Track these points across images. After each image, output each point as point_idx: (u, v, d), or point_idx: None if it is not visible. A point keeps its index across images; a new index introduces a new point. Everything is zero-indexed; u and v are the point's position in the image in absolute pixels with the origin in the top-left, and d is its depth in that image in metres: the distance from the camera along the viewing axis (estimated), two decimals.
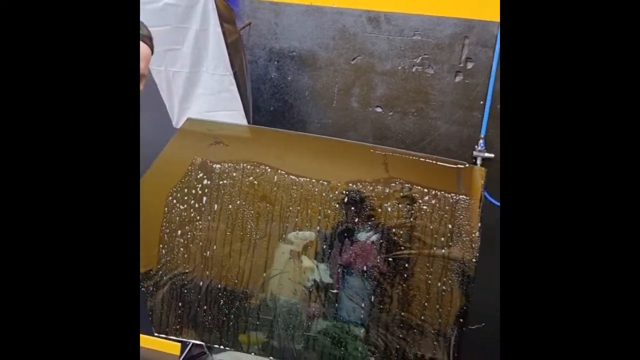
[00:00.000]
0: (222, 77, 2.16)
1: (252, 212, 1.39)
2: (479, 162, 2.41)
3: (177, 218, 1.46)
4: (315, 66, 2.57)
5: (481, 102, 2.42)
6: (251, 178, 1.38)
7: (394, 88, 2.51)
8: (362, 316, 1.52)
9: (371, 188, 1.37)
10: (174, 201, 1.46)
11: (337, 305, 1.52)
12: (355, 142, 1.50)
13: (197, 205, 1.45)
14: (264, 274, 1.42)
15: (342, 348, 1.56)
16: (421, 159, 1.39)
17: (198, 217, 1.44)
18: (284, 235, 1.45)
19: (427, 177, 1.36)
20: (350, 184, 1.37)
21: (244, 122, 2.21)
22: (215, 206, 1.41)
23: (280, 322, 1.54)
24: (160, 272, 1.48)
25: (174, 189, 1.46)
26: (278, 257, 1.49)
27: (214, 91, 2.18)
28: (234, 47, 2.22)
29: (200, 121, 1.71)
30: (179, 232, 1.45)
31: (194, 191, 1.45)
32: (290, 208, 1.38)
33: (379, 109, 2.55)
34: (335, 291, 1.53)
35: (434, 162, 1.40)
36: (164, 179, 1.46)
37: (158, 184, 1.46)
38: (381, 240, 1.43)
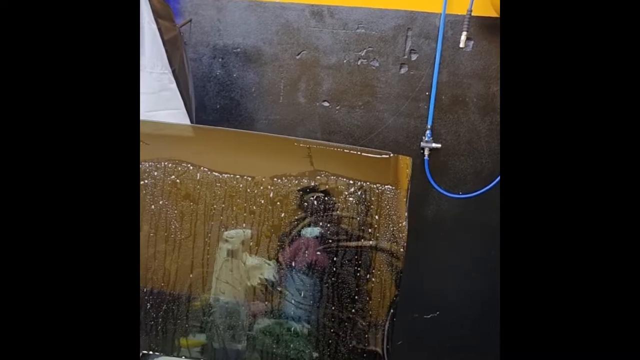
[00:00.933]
0: (161, 75, 2.12)
1: (176, 211, 1.35)
2: (426, 152, 2.42)
3: None
4: (260, 62, 2.54)
5: (427, 93, 2.42)
6: (173, 177, 1.34)
7: (340, 82, 2.50)
8: (303, 313, 1.50)
9: (296, 182, 1.34)
10: None
11: (279, 302, 1.50)
12: (278, 135, 1.47)
13: None
14: (191, 275, 1.39)
15: (284, 346, 1.54)
16: (345, 151, 1.38)
17: None
18: (220, 235, 1.42)
19: (352, 169, 1.34)
20: (276, 179, 1.34)
21: (187, 120, 2.17)
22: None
23: (220, 323, 1.50)
24: None
25: None
26: (217, 257, 1.46)
27: (154, 90, 2.13)
28: (173, 44, 2.18)
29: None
30: None
31: None
32: (215, 206, 1.34)
33: (326, 104, 2.53)
34: (279, 289, 1.50)
35: (359, 153, 1.38)
36: None
37: None
38: (318, 235, 1.41)
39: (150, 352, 1.46)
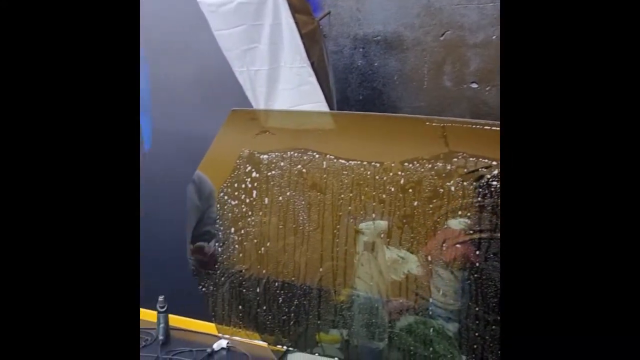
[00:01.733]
0: (300, 69, 2.11)
1: (303, 202, 1.30)
2: None
3: (230, 214, 1.42)
4: (402, 48, 2.42)
5: None
6: (299, 166, 1.29)
7: (488, 60, 2.28)
8: (446, 312, 1.36)
9: (429, 166, 1.21)
10: (226, 197, 1.42)
11: (422, 299, 1.38)
12: (407, 115, 1.35)
13: (247, 200, 1.39)
14: (321, 269, 1.32)
15: (428, 347, 1.41)
16: (486, 127, 1.21)
17: (250, 212, 1.39)
18: (351, 226, 1.34)
19: (495, 149, 1.17)
20: (406, 163, 1.22)
21: None
22: (266, 199, 1.35)
23: (358, 319, 1.43)
24: (219, 272, 1.45)
25: (225, 185, 1.41)
26: (355, 250, 1.38)
27: (294, 85, 2.13)
28: (310, 38, 2.16)
29: (244, 111, 1.65)
30: (233, 229, 1.41)
31: (243, 185, 1.40)
32: (342, 195, 1.26)
33: (474, 85, 2.33)
34: (423, 284, 1.39)
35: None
36: (215, 174, 1.42)
37: (210, 180, 1.42)
38: (464, 227, 1.27)
39: (290, 348, 1.43)
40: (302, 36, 2.10)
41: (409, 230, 1.26)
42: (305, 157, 1.30)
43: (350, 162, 1.25)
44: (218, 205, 1.44)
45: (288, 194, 1.31)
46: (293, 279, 1.34)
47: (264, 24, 2.08)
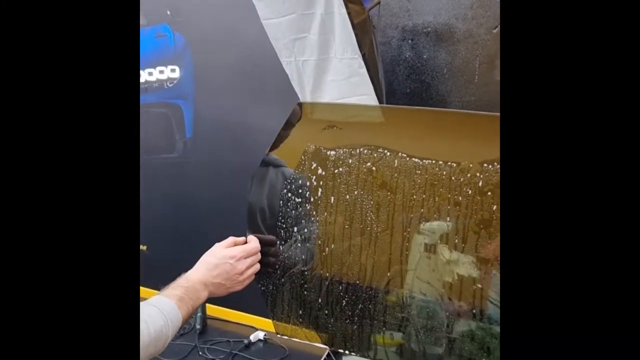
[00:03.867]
0: (350, 60, 2.06)
1: (372, 202, 1.24)
2: None
3: (293, 212, 1.36)
4: (452, 40, 2.34)
5: None
6: (369, 164, 1.23)
7: None
8: None
9: None
10: (289, 194, 1.37)
11: (481, 303, 1.32)
12: (487, 113, 1.27)
13: (312, 199, 1.33)
14: (388, 273, 1.27)
15: (487, 354, 1.36)
16: None
17: (314, 211, 1.33)
18: (417, 228, 1.28)
19: None
20: (485, 164, 1.15)
21: None
22: (332, 198, 1.29)
23: (417, 322, 1.37)
24: (279, 271, 1.40)
25: (288, 181, 1.36)
26: (414, 252, 1.33)
27: (344, 76, 2.07)
28: (362, 28, 2.10)
29: (311, 104, 1.59)
30: (296, 228, 1.35)
31: (308, 183, 1.34)
32: (414, 196, 1.20)
33: None
34: (479, 286, 1.33)
35: None
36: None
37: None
38: None
39: (346, 352, 1.38)
40: (354, 26, 2.05)
41: (486, 235, 1.19)
42: (375, 155, 1.24)
43: (424, 160, 1.19)
44: (281, 202, 1.38)
45: (356, 192, 1.25)
46: (358, 280, 1.28)
47: (316, 12, 2.03)
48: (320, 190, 1.32)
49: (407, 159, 1.21)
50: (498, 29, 2.23)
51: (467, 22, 2.30)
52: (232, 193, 2.27)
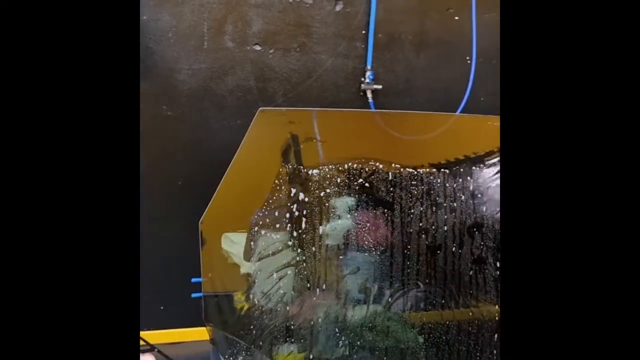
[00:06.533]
0: None
1: (368, 224, 1.09)
2: (369, 94, 2.36)
3: (270, 251, 1.04)
4: (176, 2, 2.07)
5: (363, 32, 2.33)
6: (360, 180, 1.07)
7: (271, 22, 2.21)
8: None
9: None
10: (262, 230, 1.03)
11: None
12: (477, 115, 1.25)
13: (295, 234, 1.05)
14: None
15: (390, 337, 1.43)
16: None
17: (299, 247, 1.05)
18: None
19: None
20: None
21: None
22: (321, 228, 1.05)
23: (318, 331, 1.32)
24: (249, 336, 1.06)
25: (260, 214, 1.02)
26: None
27: None
28: None
29: (278, 111, 1.20)
30: (275, 275, 1.04)
31: (288, 214, 1.04)
32: (412, 210, 1.12)
33: (257, 47, 2.23)
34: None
35: None
36: (245, 198, 1.00)
37: (238, 206, 1.00)
38: None
39: None
40: None
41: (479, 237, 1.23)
42: (367, 169, 1.07)
43: (419, 170, 1.10)
44: (252, 243, 1.02)
45: (349, 216, 1.06)
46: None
47: None
48: (304, 221, 1.03)
49: (401, 169, 1.10)
50: None
51: None
52: None
